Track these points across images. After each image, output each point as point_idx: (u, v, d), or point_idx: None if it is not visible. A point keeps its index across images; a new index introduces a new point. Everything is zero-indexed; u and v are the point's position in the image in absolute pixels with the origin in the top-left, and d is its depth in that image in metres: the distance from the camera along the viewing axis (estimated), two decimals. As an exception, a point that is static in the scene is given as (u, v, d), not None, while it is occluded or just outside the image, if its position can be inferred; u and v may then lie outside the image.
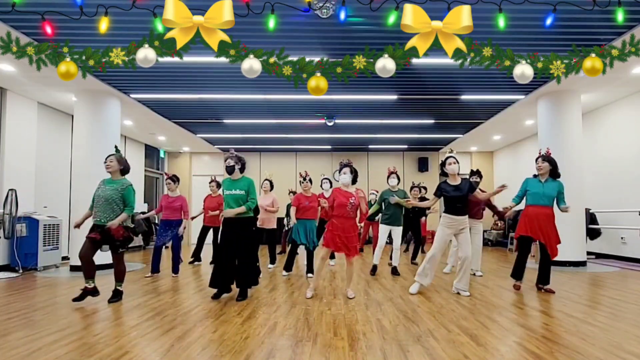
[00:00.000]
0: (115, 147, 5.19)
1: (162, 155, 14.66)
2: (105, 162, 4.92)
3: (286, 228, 10.01)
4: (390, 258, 7.46)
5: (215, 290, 5.12)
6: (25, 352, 3.10)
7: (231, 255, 5.04)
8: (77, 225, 4.89)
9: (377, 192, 10.28)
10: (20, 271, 7.39)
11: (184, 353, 3.08)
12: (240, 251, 5.02)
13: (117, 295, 4.94)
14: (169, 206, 6.92)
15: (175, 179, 7.14)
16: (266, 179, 8.04)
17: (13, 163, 7.84)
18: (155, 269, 6.90)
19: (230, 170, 5.10)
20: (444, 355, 3.01)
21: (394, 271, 6.93)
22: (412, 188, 8.54)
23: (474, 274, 6.69)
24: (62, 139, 9.41)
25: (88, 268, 4.77)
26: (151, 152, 13.88)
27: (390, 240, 7.09)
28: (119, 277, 5.01)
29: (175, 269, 6.95)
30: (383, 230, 7.00)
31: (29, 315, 4.25)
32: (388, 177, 7.09)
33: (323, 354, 3.05)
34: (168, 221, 6.94)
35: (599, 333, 3.54)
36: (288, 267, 6.93)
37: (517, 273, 5.43)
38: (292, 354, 3.06)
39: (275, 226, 7.93)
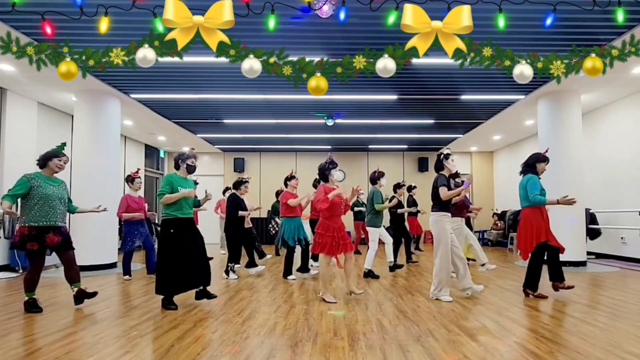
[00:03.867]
0: (63, 143, 4.82)
1: (162, 155, 14.66)
2: (62, 161, 4.57)
3: (273, 232, 9.88)
4: (396, 257, 7.52)
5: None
6: (25, 352, 3.10)
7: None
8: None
9: (363, 192, 10.33)
10: (20, 271, 7.39)
11: (184, 353, 3.08)
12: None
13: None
14: (141, 207, 6.73)
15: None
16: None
17: (13, 163, 7.84)
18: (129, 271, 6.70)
19: (194, 169, 4.87)
20: (444, 355, 3.01)
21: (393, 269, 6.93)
22: (400, 187, 8.33)
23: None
24: (62, 139, 9.39)
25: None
26: (151, 152, 13.87)
27: (381, 241, 7.03)
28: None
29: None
30: (378, 232, 6.81)
31: (29, 315, 4.25)
32: (381, 177, 6.84)
33: (323, 354, 3.05)
34: (142, 222, 6.75)
35: (599, 333, 3.54)
36: (289, 272, 6.68)
37: (535, 283, 5.05)
38: (292, 354, 3.06)
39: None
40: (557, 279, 5.06)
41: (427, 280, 6.34)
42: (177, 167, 4.83)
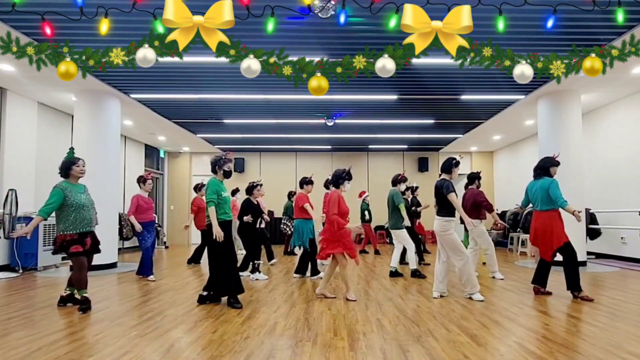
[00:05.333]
0: (71, 148, 4.86)
1: (162, 155, 14.66)
2: (80, 166, 4.63)
3: (289, 232, 10.02)
4: (404, 260, 7.73)
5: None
6: (25, 352, 3.10)
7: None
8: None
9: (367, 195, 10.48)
10: (20, 271, 7.39)
11: (184, 353, 3.08)
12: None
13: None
14: (150, 207, 6.78)
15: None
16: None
17: (13, 163, 7.84)
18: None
19: (230, 175, 4.98)
20: (444, 355, 3.01)
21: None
22: (410, 189, 8.56)
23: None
24: (62, 139, 9.41)
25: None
26: (151, 152, 13.87)
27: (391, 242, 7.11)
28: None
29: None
30: (404, 233, 6.84)
31: (29, 315, 4.25)
32: (403, 182, 7.07)
33: (323, 354, 3.05)
34: (152, 222, 6.80)
35: (599, 333, 3.54)
36: (302, 271, 6.80)
37: (578, 284, 4.99)
38: (292, 354, 3.06)
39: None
40: (575, 288, 5.03)
41: (428, 281, 6.35)
42: (214, 171, 4.90)
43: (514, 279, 6.46)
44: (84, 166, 4.69)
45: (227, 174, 4.90)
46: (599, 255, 9.11)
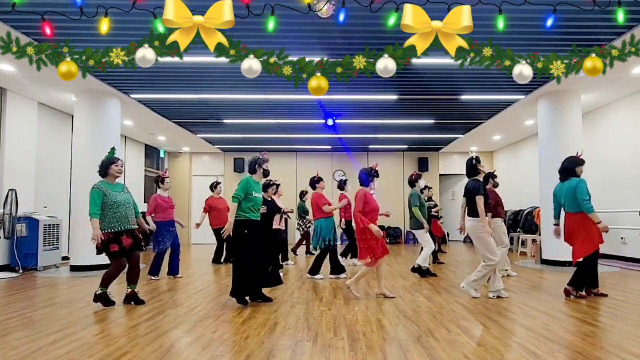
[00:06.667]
0: (112, 148, 5.05)
1: (162, 155, 14.66)
2: (118, 166, 4.80)
3: (302, 231, 10.15)
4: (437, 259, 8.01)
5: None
6: (25, 352, 3.10)
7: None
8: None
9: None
10: (20, 271, 7.39)
11: (184, 353, 3.08)
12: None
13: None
14: (171, 206, 6.85)
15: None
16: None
17: (13, 163, 7.84)
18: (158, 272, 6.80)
19: (268, 173, 5.15)
20: (444, 355, 3.01)
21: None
22: (427, 188, 8.64)
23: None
24: (62, 139, 9.41)
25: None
26: (151, 152, 13.88)
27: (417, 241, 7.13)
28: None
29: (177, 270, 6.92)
30: (425, 233, 6.85)
31: (29, 315, 4.25)
32: (418, 179, 7.07)
33: (323, 354, 3.05)
34: (172, 221, 6.82)
35: (599, 333, 3.54)
36: (317, 270, 6.67)
37: (596, 282, 5.07)
38: (292, 354, 3.06)
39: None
40: (592, 285, 5.05)
41: (428, 281, 6.35)
42: (253, 171, 5.01)
43: (514, 278, 6.46)
44: (122, 166, 4.87)
45: (266, 173, 5.07)
46: (599, 255, 9.09)
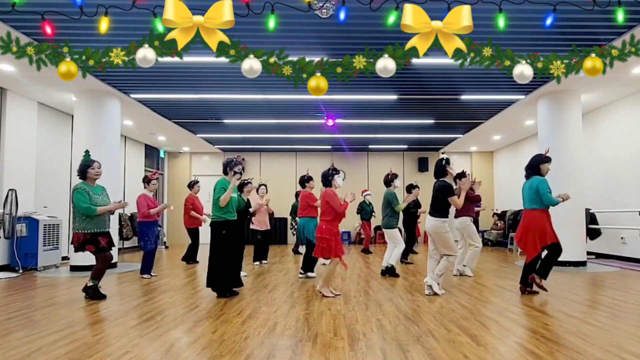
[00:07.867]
0: (87, 151, 5.16)
1: (162, 155, 14.66)
2: (95, 169, 4.93)
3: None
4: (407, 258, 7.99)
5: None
6: (25, 352, 3.10)
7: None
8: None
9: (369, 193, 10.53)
10: (20, 271, 7.39)
11: (184, 353, 3.08)
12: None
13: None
14: (155, 207, 6.82)
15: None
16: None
17: (13, 163, 7.84)
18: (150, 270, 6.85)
19: (241, 176, 5.33)
20: (444, 355, 3.01)
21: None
22: (414, 187, 8.42)
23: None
24: (62, 139, 9.41)
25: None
26: (151, 152, 13.87)
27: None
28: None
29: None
30: (397, 232, 6.92)
31: (29, 315, 4.25)
32: (394, 179, 7.08)
33: (323, 354, 3.05)
34: (156, 222, 6.88)
35: (599, 333, 3.54)
36: (310, 268, 6.77)
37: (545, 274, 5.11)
38: (292, 354, 3.06)
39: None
40: (542, 275, 5.05)
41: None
42: (225, 172, 5.22)
43: (513, 279, 6.45)
44: (99, 168, 4.98)
45: (239, 174, 5.19)
46: (599, 255, 9.11)
